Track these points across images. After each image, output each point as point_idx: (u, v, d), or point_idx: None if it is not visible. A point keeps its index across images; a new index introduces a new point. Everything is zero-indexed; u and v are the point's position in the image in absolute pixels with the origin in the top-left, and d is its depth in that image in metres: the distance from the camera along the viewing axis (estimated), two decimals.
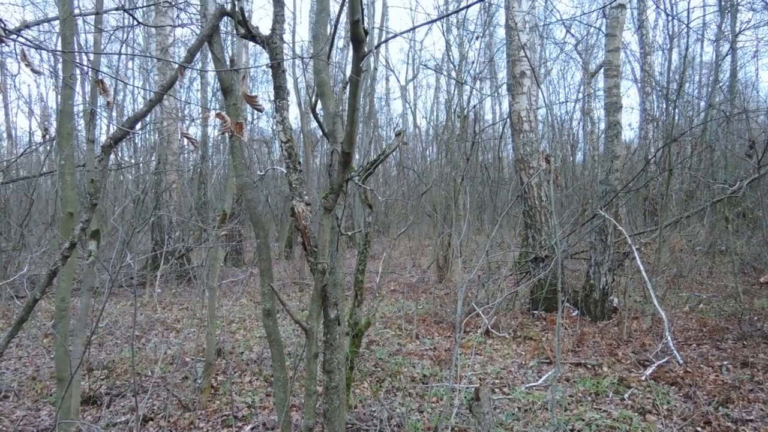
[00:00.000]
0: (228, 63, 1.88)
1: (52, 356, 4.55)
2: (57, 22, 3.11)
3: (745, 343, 5.26)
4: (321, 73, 1.97)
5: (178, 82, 1.43)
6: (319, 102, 2.43)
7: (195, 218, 9.25)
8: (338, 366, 1.85)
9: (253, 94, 1.45)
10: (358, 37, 1.35)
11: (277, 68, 1.64)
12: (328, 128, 2.12)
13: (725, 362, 4.71)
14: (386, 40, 1.93)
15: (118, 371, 4.69)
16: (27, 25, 2.37)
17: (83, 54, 4.49)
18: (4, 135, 13.22)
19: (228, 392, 4.10)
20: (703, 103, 12.83)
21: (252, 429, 3.54)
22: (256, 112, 16.37)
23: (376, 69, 12.05)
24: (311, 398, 1.86)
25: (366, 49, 1.42)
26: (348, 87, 1.42)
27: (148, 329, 6.29)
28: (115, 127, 1.78)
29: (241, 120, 1.59)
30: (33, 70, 1.29)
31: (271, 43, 1.61)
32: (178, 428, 3.55)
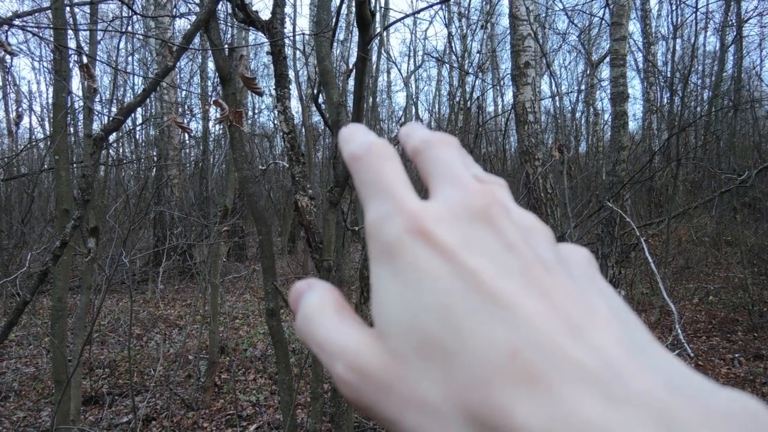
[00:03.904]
0: (226, 51, 1.79)
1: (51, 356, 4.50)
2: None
3: (756, 334, 5.18)
4: (324, 60, 1.88)
5: (172, 67, 1.34)
6: (320, 95, 2.34)
7: (196, 214, 9.18)
8: None
9: (252, 76, 1.36)
10: (364, 19, 1.26)
11: (278, 55, 1.55)
12: (332, 119, 2.02)
13: (737, 355, 4.63)
14: (394, 23, 1.83)
15: (120, 370, 4.63)
16: (18, 15, 2.28)
17: (80, 48, 4.40)
18: (5, 131, 13.14)
19: (232, 391, 4.04)
20: (706, 93, 12.69)
21: (257, 428, 3.48)
22: (257, 107, 16.24)
23: (381, 54, 11.90)
24: (317, 401, 1.78)
25: (371, 32, 1.33)
26: (354, 73, 1.33)
27: (150, 326, 6.23)
28: (98, 119, 1.69)
29: (240, 109, 1.50)
30: (6, 51, 1.21)
31: (272, 29, 1.52)
32: (181, 428, 3.49)
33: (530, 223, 0.23)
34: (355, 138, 0.26)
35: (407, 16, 1.70)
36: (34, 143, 10.07)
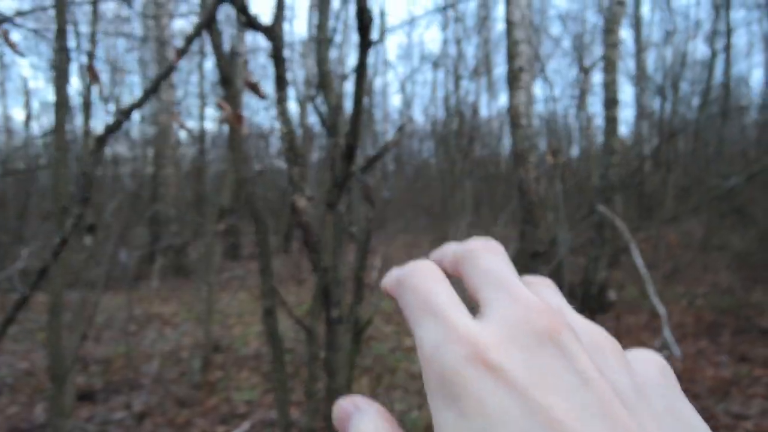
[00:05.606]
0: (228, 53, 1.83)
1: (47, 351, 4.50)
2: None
3: (742, 338, 5.26)
4: (323, 63, 1.92)
5: (174, 69, 1.38)
6: (317, 96, 2.38)
7: (192, 212, 9.20)
8: (341, 367, 1.82)
9: (255, 80, 1.41)
10: (364, 22, 1.30)
11: (278, 58, 1.60)
12: (330, 121, 2.07)
13: (723, 357, 4.71)
14: (394, 29, 1.88)
15: (114, 366, 4.64)
16: (20, 14, 2.31)
17: (81, 46, 4.41)
18: (2, 128, 13.05)
19: (225, 388, 4.07)
20: (696, 100, 12.85)
21: (251, 426, 3.51)
22: (252, 108, 16.24)
23: (377, 57, 11.95)
24: (312, 399, 1.82)
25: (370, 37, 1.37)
26: (355, 76, 1.38)
27: (145, 323, 6.24)
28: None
29: (238, 111, 1.55)
30: (15, 51, 1.25)
31: (273, 32, 1.57)
32: (174, 425, 3.51)
33: (597, 339, 0.21)
34: (398, 269, 0.24)
35: (406, 22, 1.74)
36: (31, 140, 10.05)
